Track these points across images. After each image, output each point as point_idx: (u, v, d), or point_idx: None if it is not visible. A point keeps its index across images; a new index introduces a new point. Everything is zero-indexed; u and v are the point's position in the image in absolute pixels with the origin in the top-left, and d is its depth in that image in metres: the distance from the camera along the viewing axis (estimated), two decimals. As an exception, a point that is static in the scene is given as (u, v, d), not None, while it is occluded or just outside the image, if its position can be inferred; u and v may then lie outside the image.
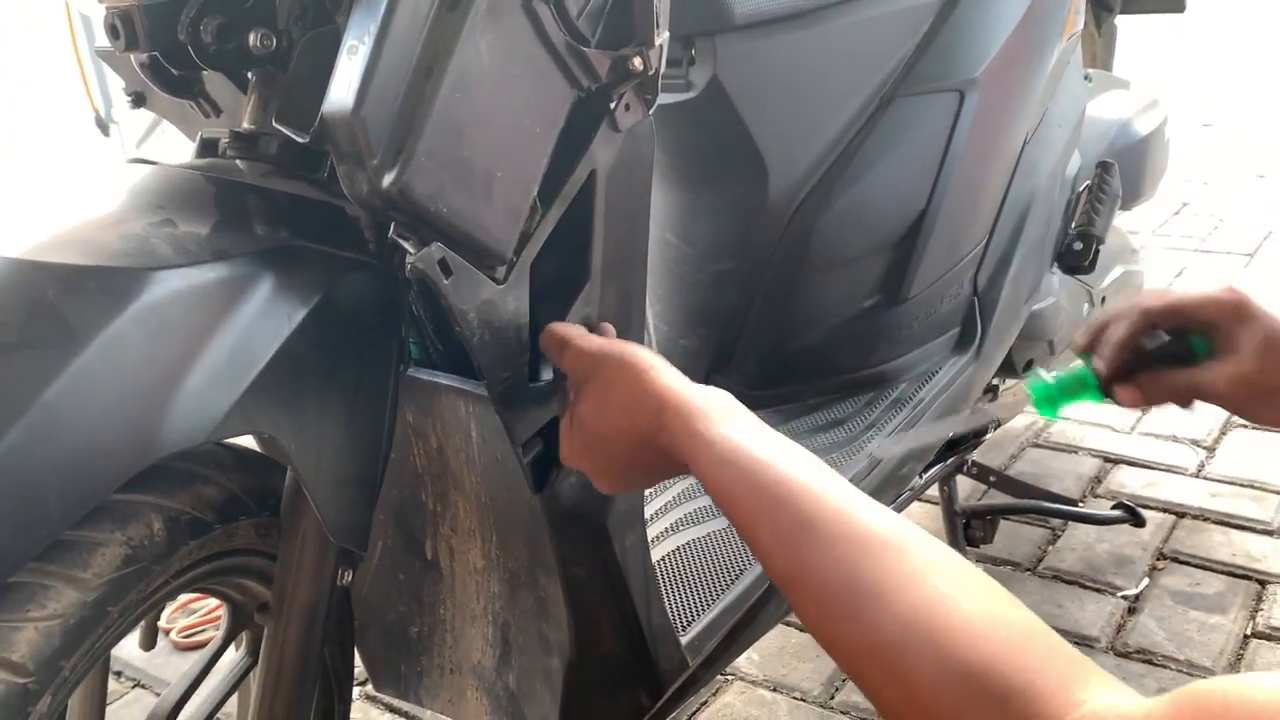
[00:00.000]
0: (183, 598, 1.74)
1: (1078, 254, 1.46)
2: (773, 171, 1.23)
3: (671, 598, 1.07)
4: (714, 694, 1.51)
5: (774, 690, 1.51)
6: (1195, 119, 4.91)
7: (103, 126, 1.21)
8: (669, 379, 0.74)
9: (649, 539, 1.11)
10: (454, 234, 0.70)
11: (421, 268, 0.69)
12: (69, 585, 0.65)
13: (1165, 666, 1.51)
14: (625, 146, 0.80)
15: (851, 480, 1.21)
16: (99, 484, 0.60)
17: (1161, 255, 3.23)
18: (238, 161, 0.80)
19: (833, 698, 1.49)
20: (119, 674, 1.60)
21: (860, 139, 1.25)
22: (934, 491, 1.76)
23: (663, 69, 0.80)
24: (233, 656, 0.92)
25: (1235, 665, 1.50)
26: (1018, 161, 1.37)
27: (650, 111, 0.82)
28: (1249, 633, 1.57)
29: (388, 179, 0.66)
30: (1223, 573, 1.71)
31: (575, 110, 0.77)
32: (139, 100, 0.98)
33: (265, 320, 0.69)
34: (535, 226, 0.77)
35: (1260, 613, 1.61)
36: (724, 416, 0.70)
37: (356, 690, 1.54)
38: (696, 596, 1.09)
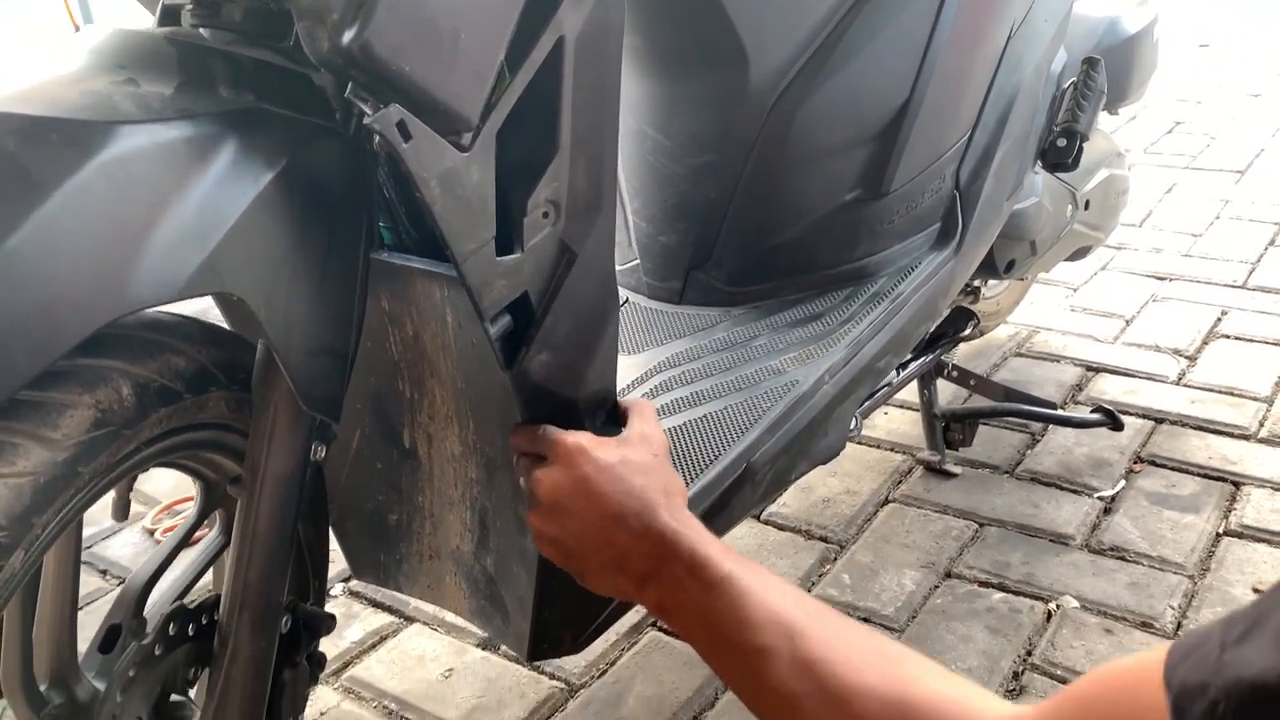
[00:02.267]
0: (167, 500, 1.75)
1: (1061, 150, 1.45)
2: (753, 60, 1.21)
3: (647, 483, 1.08)
4: (694, 590, 1.53)
5: (753, 587, 1.53)
6: (1192, 39, 4.85)
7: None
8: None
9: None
10: (417, 95, 0.69)
11: (378, 129, 0.68)
12: (38, 444, 0.65)
13: (1137, 563, 1.53)
14: (594, 13, 0.79)
15: (828, 371, 1.22)
16: (65, 334, 0.60)
17: (1153, 173, 3.21)
18: (201, 30, 0.79)
19: (809, 592, 1.51)
20: (105, 572, 1.62)
21: (843, 27, 1.23)
22: (915, 396, 1.77)
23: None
24: (208, 536, 0.93)
25: (1206, 561, 1.53)
26: (1002, 55, 1.35)
27: (621, -23, 0.80)
28: (1221, 531, 1.60)
29: (348, 35, 0.65)
30: (1198, 475, 1.73)
31: (543, -27, 0.75)
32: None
33: (232, 181, 0.68)
34: (501, 94, 0.76)
35: (1233, 513, 1.63)
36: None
37: (339, 586, 1.56)
38: (671, 481, 1.09)
